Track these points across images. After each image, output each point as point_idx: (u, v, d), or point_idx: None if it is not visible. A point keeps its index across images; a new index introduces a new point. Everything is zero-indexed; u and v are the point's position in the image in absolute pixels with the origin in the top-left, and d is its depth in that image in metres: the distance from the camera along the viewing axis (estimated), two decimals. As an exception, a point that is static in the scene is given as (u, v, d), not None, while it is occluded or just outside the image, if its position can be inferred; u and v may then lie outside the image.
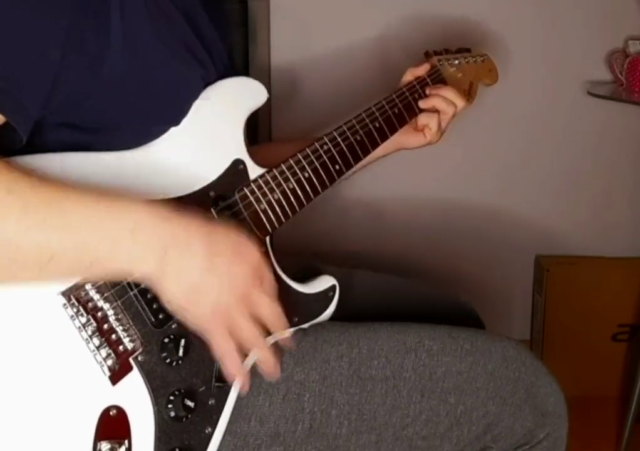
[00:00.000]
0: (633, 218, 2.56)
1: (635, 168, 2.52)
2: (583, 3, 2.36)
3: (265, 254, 1.16)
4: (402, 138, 1.45)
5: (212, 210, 1.08)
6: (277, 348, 1.06)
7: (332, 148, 1.25)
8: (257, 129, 2.33)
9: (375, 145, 1.35)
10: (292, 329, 1.15)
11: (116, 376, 0.95)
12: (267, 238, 1.17)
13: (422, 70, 1.49)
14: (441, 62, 1.54)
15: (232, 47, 1.32)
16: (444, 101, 1.45)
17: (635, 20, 2.36)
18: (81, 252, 0.86)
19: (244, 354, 1.00)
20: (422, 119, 1.46)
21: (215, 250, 0.95)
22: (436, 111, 1.46)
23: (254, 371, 1.11)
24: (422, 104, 1.45)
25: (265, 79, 2.29)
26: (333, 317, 1.26)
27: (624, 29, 2.38)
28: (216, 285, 0.95)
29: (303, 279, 1.23)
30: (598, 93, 2.29)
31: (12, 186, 0.83)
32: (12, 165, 0.85)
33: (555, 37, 2.39)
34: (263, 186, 1.14)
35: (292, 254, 1.29)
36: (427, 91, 1.46)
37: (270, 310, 1.00)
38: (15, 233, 0.82)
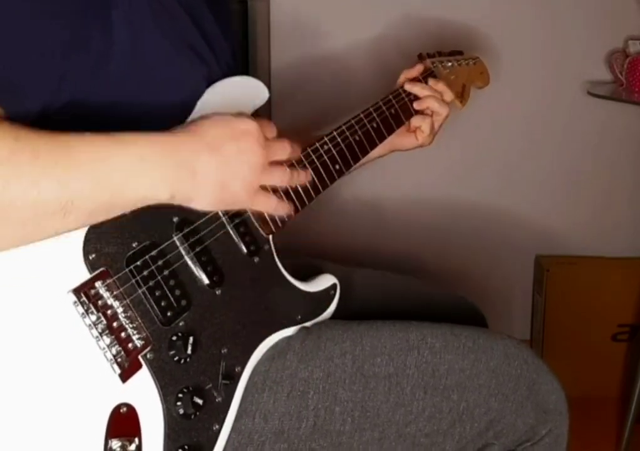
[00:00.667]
0: (633, 218, 2.56)
1: (635, 168, 2.52)
2: (583, 3, 2.37)
3: (269, 251, 1.17)
4: (396, 139, 1.46)
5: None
6: None
7: (332, 148, 1.26)
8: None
9: (373, 145, 1.36)
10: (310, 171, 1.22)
11: (126, 373, 0.95)
12: (271, 237, 1.18)
13: (415, 71, 1.50)
14: (434, 65, 1.55)
15: (235, 47, 1.32)
16: (437, 101, 1.46)
17: (635, 20, 2.37)
18: (98, 186, 0.88)
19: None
20: (415, 121, 1.47)
21: (218, 147, 0.98)
22: (430, 113, 1.47)
23: (257, 370, 1.12)
24: (416, 105, 1.46)
25: (265, 79, 2.29)
26: (335, 316, 1.26)
27: (624, 29, 2.38)
28: (237, 171, 1.00)
29: (304, 277, 1.24)
30: (598, 93, 2.30)
31: (19, 134, 0.84)
32: (15, 122, 0.86)
33: (555, 37, 2.40)
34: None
35: (293, 252, 1.29)
36: (418, 92, 1.47)
37: (284, 152, 1.08)
38: (31, 179, 0.83)
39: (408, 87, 1.46)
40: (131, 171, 0.91)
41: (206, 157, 0.97)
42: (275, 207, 1.10)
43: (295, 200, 1.19)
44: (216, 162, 0.97)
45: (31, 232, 0.86)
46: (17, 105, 0.89)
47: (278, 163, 1.08)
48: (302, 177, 1.16)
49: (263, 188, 1.07)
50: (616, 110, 2.42)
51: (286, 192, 1.17)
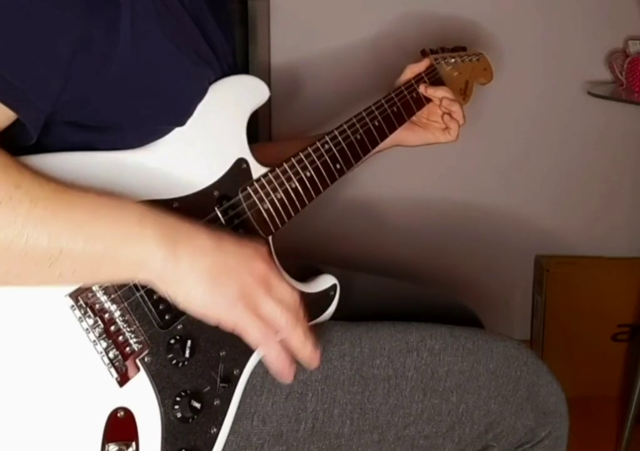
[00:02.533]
0: (633, 218, 2.56)
1: (636, 168, 2.52)
2: (583, 3, 2.37)
3: (269, 253, 1.17)
4: (401, 134, 1.46)
5: (216, 209, 1.08)
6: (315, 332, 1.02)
7: (333, 147, 1.26)
8: (257, 129, 2.33)
9: (375, 144, 1.36)
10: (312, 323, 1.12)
11: (123, 377, 0.95)
12: (270, 238, 1.17)
13: (422, 65, 1.50)
14: (437, 61, 1.54)
15: (235, 49, 1.32)
16: (448, 101, 1.47)
17: (635, 20, 2.37)
18: (90, 245, 0.86)
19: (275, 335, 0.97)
20: (444, 122, 1.49)
21: (220, 237, 0.94)
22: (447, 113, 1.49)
23: (255, 372, 1.11)
24: (430, 91, 1.48)
25: (265, 79, 2.28)
26: (333, 318, 1.26)
27: (624, 29, 2.38)
28: (233, 266, 0.93)
29: (303, 278, 1.24)
30: (598, 93, 2.29)
31: (20, 181, 0.83)
32: (18, 161, 0.86)
33: (555, 37, 2.40)
34: (266, 185, 1.15)
35: (292, 253, 1.29)
36: (421, 89, 1.47)
37: (291, 295, 0.98)
38: (24, 227, 0.82)
39: (422, 90, 1.47)
40: (127, 235, 0.88)
41: (205, 238, 0.93)
42: (268, 340, 0.95)
43: (295, 199, 1.18)
44: (215, 248, 0.93)
45: (13, 279, 0.86)
46: (29, 108, 0.88)
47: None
48: (308, 332, 1.00)
49: (260, 306, 0.95)
50: (616, 110, 2.42)
51: (286, 191, 1.17)
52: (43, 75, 0.89)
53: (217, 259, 0.93)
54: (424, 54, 1.55)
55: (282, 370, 0.98)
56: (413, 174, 2.49)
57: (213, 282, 0.92)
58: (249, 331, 0.94)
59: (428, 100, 1.49)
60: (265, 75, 2.32)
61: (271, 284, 0.96)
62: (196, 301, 0.92)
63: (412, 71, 1.50)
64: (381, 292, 1.51)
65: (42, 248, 0.83)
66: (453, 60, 1.58)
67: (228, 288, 0.93)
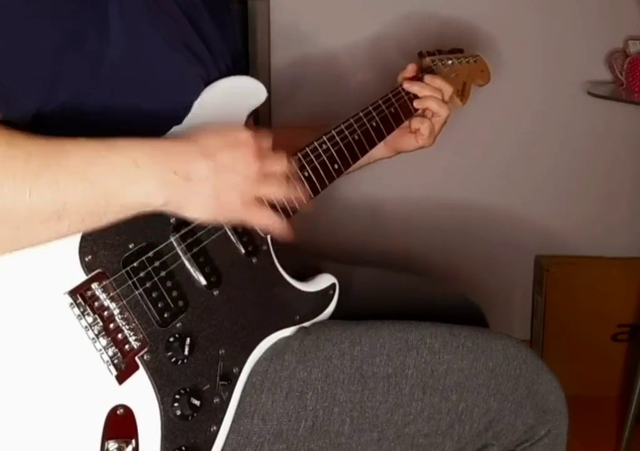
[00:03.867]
0: (633, 218, 2.56)
1: (635, 168, 2.52)
2: (583, 3, 2.37)
3: (267, 252, 1.17)
4: (398, 141, 1.46)
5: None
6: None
7: (331, 147, 1.26)
8: (256, 129, 2.33)
9: (372, 144, 1.36)
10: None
11: (122, 375, 0.95)
12: (269, 237, 1.18)
13: (409, 72, 1.49)
14: (434, 63, 1.54)
15: (238, 49, 1.32)
16: (436, 102, 1.44)
17: (635, 20, 2.37)
18: (92, 190, 0.87)
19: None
20: (414, 123, 1.46)
21: (212, 153, 0.97)
22: (430, 115, 1.46)
23: (255, 370, 1.12)
24: (416, 104, 1.45)
25: (265, 79, 2.29)
26: (333, 316, 1.26)
27: (624, 29, 2.38)
28: (231, 180, 0.99)
29: (303, 277, 1.24)
30: (598, 93, 2.29)
31: (12, 139, 0.84)
32: (8, 125, 0.86)
33: (555, 37, 2.40)
34: None
35: (291, 252, 1.29)
36: (412, 89, 1.46)
37: (282, 167, 1.05)
38: (24, 183, 0.83)
39: (407, 86, 1.45)
40: (124, 176, 0.90)
41: (200, 164, 0.96)
42: (271, 221, 1.07)
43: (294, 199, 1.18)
44: (211, 169, 0.96)
45: (24, 237, 0.87)
46: (14, 107, 0.89)
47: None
48: (299, 191, 1.15)
49: (259, 201, 1.05)
50: (616, 110, 2.42)
51: None
52: (29, 74, 0.89)
53: (215, 180, 0.97)
54: (421, 56, 1.55)
55: (285, 233, 1.10)
56: (413, 174, 2.49)
57: (216, 202, 0.99)
58: (257, 223, 1.09)
59: None
60: (265, 75, 2.32)
61: (265, 172, 1.02)
62: (206, 218, 1.02)
63: (403, 76, 1.49)
64: (381, 286, 1.51)
65: (47, 201, 0.85)
66: (450, 62, 1.58)
67: (229, 201, 1.00)
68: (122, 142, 0.92)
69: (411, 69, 1.49)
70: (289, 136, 1.25)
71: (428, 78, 1.46)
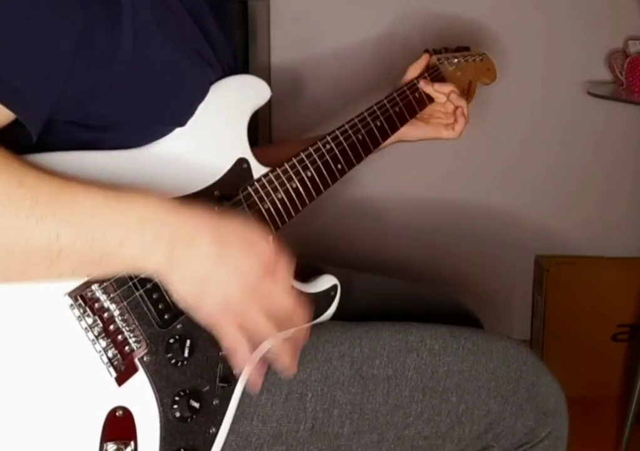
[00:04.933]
0: (633, 218, 2.56)
1: (635, 168, 2.52)
2: (583, 3, 2.37)
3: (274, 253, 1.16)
4: (403, 130, 1.45)
5: (216, 209, 1.08)
6: (295, 343, 1.04)
7: (334, 147, 1.25)
8: (257, 129, 2.33)
9: (377, 144, 1.35)
10: (307, 325, 1.09)
11: (122, 376, 0.95)
12: (270, 238, 1.17)
13: (422, 62, 1.51)
14: (440, 61, 1.54)
15: (237, 49, 1.32)
16: (456, 95, 1.49)
17: (635, 20, 2.37)
18: (90, 244, 0.86)
19: (254, 348, 0.99)
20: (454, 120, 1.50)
21: (224, 242, 0.93)
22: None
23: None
24: (437, 86, 1.48)
25: (265, 79, 2.27)
26: (333, 318, 1.26)
27: (624, 29, 2.38)
28: (225, 278, 0.93)
29: (304, 278, 1.23)
30: (598, 93, 2.29)
31: (23, 179, 0.83)
32: (21, 158, 0.86)
33: (555, 37, 2.40)
34: (267, 185, 1.14)
35: (292, 253, 1.29)
36: (433, 86, 1.47)
37: (284, 303, 0.98)
38: (25, 226, 0.82)
39: (422, 85, 1.48)
40: (126, 237, 0.88)
41: (207, 237, 0.92)
42: (238, 346, 0.96)
43: (296, 199, 1.18)
44: (212, 254, 0.92)
45: (14, 274, 0.86)
46: (28, 110, 0.88)
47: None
48: (281, 352, 1.03)
49: (245, 317, 0.96)
50: (616, 110, 2.42)
51: (286, 191, 1.17)
52: (43, 75, 0.89)
53: (210, 267, 0.92)
54: (427, 53, 1.55)
55: (242, 363, 0.99)
56: (413, 174, 2.49)
57: (202, 291, 0.93)
58: (224, 339, 0.96)
59: (431, 100, 1.49)
60: (265, 75, 2.32)
61: (263, 294, 0.96)
62: (183, 303, 0.94)
63: (414, 69, 1.50)
64: (381, 291, 1.51)
65: (42, 248, 0.83)
66: (456, 60, 1.57)
67: (214, 298, 0.93)
68: (132, 197, 0.90)
69: (424, 60, 1.52)
70: (293, 147, 1.25)
71: (437, 86, 1.49)
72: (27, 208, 0.82)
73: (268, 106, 2.23)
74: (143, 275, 0.95)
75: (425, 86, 1.47)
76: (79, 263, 0.88)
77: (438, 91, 1.48)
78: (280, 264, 0.98)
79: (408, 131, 1.48)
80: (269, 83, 1.19)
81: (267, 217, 1.14)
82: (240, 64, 1.36)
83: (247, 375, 1.07)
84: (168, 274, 0.91)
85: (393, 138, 1.44)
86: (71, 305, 0.92)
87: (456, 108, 1.50)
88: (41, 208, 0.83)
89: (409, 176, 2.50)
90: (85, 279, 0.93)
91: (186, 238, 0.91)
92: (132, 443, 0.95)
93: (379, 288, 1.52)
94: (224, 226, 0.94)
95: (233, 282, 0.94)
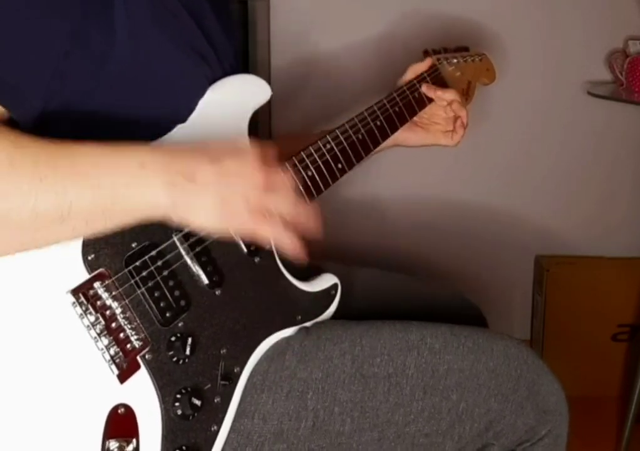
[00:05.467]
0: (633, 218, 2.56)
1: (635, 168, 2.52)
2: (583, 3, 2.37)
3: (269, 251, 1.17)
4: (402, 135, 1.46)
5: None
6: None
7: (334, 147, 1.26)
8: (257, 129, 2.33)
9: (376, 144, 1.35)
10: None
11: (124, 374, 0.96)
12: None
13: (425, 65, 1.50)
14: (440, 61, 1.54)
15: (239, 48, 1.32)
16: (460, 105, 1.48)
17: (635, 20, 2.37)
18: (97, 194, 0.87)
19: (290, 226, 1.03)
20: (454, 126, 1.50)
21: (218, 157, 0.96)
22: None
23: (256, 370, 1.12)
24: (439, 93, 1.48)
25: (265, 79, 2.28)
26: (335, 316, 1.26)
27: (624, 29, 2.38)
28: (238, 187, 0.96)
29: (305, 277, 1.24)
30: (598, 93, 2.29)
31: (19, 140, 0.84)
32: (14, 128, 0.87)
33: (555, 37, 2.40)
34: None
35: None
36: (435, 92, 1.47)
37: (291, 203, 1.02)
38: (31, 185, 0.83)
39: (425, 89, 1.47)
40: (130, 178, 0.90)
41: (205, 167, 0.95)
42: (280, 232, 1.01)
43: None
44: (217, 174, 0.95)
45: (29, 240, 0.87)
46: (19, 106, 0.89)
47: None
48: (308, 208, 1.06)
49: (267, 212, 1.00)
50: (616, 110, 2.42)
51: None
52: (35, 73, 0.89)
53: (220, 187, 0.95)
54: (426, 54, 1.55)
55: (295, 249, 1.02)
56: (413, 174, 2.49)
57: (222, 208, 0.96)
58: (266, 235, 1.01)
59: (430, 100, 1.49)
60: (265, 75, 2.32)
61: (271, 182, 0.99)
62: (210, 227, 0.98)
63: (414, 70, 1.50)
64: (383, 288, 1.51)
65: (52, 205, 0.85)
66: (455, 60, 1.57)
67: (236, 208, 0.96)
68: (129, 145, 0.92)
69: (426, 64, 1.51)
70: (292, 144, 1.25)
71: (440, 92, 1.49)
72: (30, 169, 0.83)
73: (268, 105, 2.23)
74: (154, 217, 0.95)
75: (428, 91, 1.47)
76: (90, 216, 0.89)
77: (440, 98, 1.48)
78: (273, 171, 1.01)
79: (407, 136, 1.49)
80: (269, 83, 1.20)
81: (268, 216, 1.15)
82: (241, 63, 1.36)
83: (247, 374, 1.10)
84: (185, 212, 0.94)
85: (391, 142, 1.44)
86: (73, 303, 0.92)
87: (457, 117, 1.50)
88: (42, 167, 0.84)
89: (410, 176, 2.50)
90: (87, 277, 0.94)
91: (188, 171, 0.93)
92: (134, 440, 0.96)
93: (380, 285, 1.52)
94: (208, 147, 0.97)
95: (246, 185, 0.97)
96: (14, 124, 0.90)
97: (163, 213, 0.94)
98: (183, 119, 1.07)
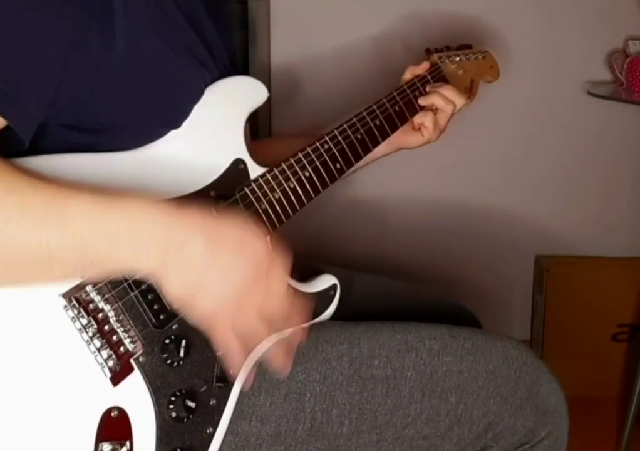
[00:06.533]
0: (633, 218, 2.56)
1: (635, 168, 2.52)
2: (583, 3, 2.36)
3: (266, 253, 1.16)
4: (401, 137, 1.45)
5: (213, 209, 1.07)
6: (289, 344, 1.04)
7: (332, 147, 1.25)
8: (257, 129, 2.33)
9: (376, 143, 1.35)
10: (306, 324, 1.10)
11: (117, 377, 0.95)
12: (268, 238, 1.17)
13: (421, 69, 1.49)
14: (442, 60, 1.53)
15: (235, 50, 1.32)
16: (442, 99, 1.45)
17: (635, 20, 2.36)
18: (81, 250, 0.85)
19: (249, 350, 0.99)
20: (417, 118, 1.45)
21: (217, 244, 0.91)
22: (434, 109, 1.46)
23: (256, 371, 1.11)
24: (421, 101, 1.45)
25: (265, 79, 2.29)
26: (332, 318, 1.26)
27: (624, 29, 2.38)
28: (217, 280, 0.91)
29: (303, 278, 1.23)
30: (598, 93, 2.29)
31: (13, 185, 0.82)
32: (12, 164, 0.85)
33: (555, 37, 2.40)
34: (264, 185, 1.14)
35: (291, 252, 1.29)
36: (427, 89, 1.46)
37: (279, 304, 0.97)
38: (16, 234, 0.81)
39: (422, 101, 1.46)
40: (117, 237, 0.87)
41: (199, 242, 0.90)
42: (231, 349, 0.96)
43: (294, 200, 1.18)
44: (208, 251, 0.91)
45: (5, 280, 0.86)
46: (19, 115, 0.88)
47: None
48: (274, 354, 1.04)
49: (238, 319, 0.96)
50: (616, 110, 2.42)
51: (284, 191, 1.16)
52: (35, 82, 0.88)
53: (205, 270, 0.91)
54: (428, 52, 1.54)
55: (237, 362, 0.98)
56: (413, 174, 2.48)
57: (195, 293, 0.91)
58: (217, 342, 0.96)
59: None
60: (265, 75, 2.31)
61: (256, 296, 0.95)
62: (177, 304, 0.93)
63: (411, 73, 1.49)
64: (380, 292, 1.51)
65: (33, 254, 0.83)
66: (457, 58, 1.56)
67: (207, 300, 0.92)
68: (123, 202, 0.89)
69: (422, 67, 1.49)
70: (291, 143, 1.25)
71: (444, 90, 1.47)
72: (16, 216, 0.81)
73: (268, 106, 2.23)
74: (136, 277, 0.95)
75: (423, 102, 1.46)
76: (70, 267, 0.87)
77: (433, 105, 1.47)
78: (275, 264, 0.96)
79: (408, 139, 1.48)
80: (269, 83, 1.19)
81: (264, 217, 1.14)
82: (239, 65, 1.36)
83: (243, 377, 1.07)
84: (161, 276, 0.90)
85: (394, 145, 1.46)
86: (65, 306, 0.91)
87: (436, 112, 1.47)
88: (31, 216, 0.82)
89: (410, 176, 2.49)
90: (79, 281, 0.93)
91: (178, 240, 0.89)
92: (127, 443, 0.95)
93: (378, 288, 1.52)
94: (217, 227, 0.93)
95: (226, 285, 0.92)
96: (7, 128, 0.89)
97: (142, 273, 0.92)
98: (178, 124, 1.06)
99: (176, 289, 0.91)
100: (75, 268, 0.88)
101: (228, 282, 0.93)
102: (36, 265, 0.84)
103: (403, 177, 2.49)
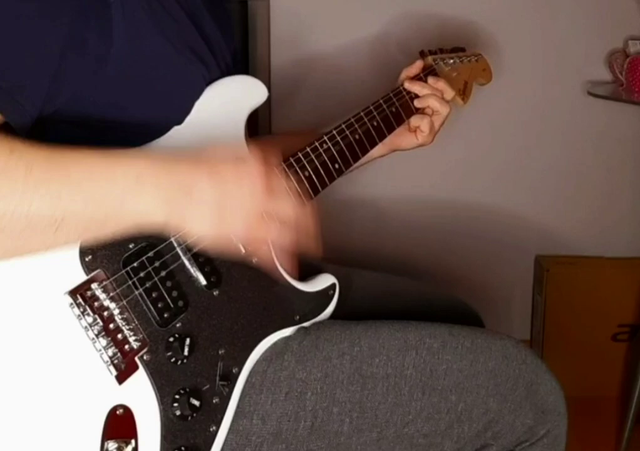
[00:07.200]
0: (633, 218, 2.56)
1: (635, 168, 2.52)
2: (583, 3, 2.36)
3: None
4: (396, 139, 1.46)
5: None
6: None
7: (331, 147, 1.26)
8: (257, 128, 2.33)
9: (373, 144, 1.36)
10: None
11: (122, 375, 0.96)
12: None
13: (415, 68, 1.50)
14: (436, 62, 1.54)
15: (236, 48, 1.32)
16: (437, 100, 1.45)
17: (635, 20, 2.36)
18: (91, 206, 0.86)
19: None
20: (414, 121, 1.46)
21: (220, 179, 0.94)
22: (429, 112, 1.47)
23: (255, 370, 1.12)
24: (417, 103, 1.46)
25: (265, 79, 2.29)
26: (333, 316, 1.26)
27: (624, 29, 2.38)
28: (235, 200, 0.96)
29: (303, 277, 1.24)
30: (598, 93, 2.29)
31: (14, 147, 0.83)
32: (8, 133, 0.86)
33: (555, 37, 2.40)
34: None
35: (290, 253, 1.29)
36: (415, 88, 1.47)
37: (290, 207, 1.02)
38: (24, 194, 0.82)
39: (408, 86, 1.46)
40: (125, 191, 0.88)
41: (204, 180, 0.94)
42: (276, 236, 1.02)
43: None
44: (214, 187, 0.94)
45: (22, 246, 0.86)
46: (15, 111, 0.89)
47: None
48: (306, 210, 1.07)
49: (268, 228, 1.01)
50: (616, 110, 2.42)
51: None
52: (31, 78, 0.89)
53: (217, 198, 0.94)
54: (422, 55, 1.55)
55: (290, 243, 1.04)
56: (413, 173, 2.49)
57: (219, 218, 0.95)
58: (263, 240, 1.03)
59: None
60: (265, 75, 2.31)
61: (269, 193, 0.99)
62: (207, 236, 0.98)
63: (406, 74, 1.50)
64: (381, 289, 1.51)
65: (45, 213, 0.84)
66: (451, 61, 1.57)
67: (232, 217, 0.96)
68: (125, 156, 0.91)
69: (417, 66, 1.49)
70: (290, 142, 1.25)
71: (431, 80, 1.47)
72: (22, 176, 0.82)
73: (268, 105, 2.23)
74: (150, 230, 0.95)
75: (411, 86, 1.46)
76: (84, 225, 0.88)
77: (430, 86, 1.47)
78: (273, 177, 1.00)
79: (403, 141, 1.48)
80: (269, 83, 1.20)
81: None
82: (240, 64, 1.36)
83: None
84: (178, 224, 0.93)
85: (389, 147, 1.46)
86: (71, 304, 0.92)
87: (424, 108, 1.48)
88: (37, 173, 0.83)
89: (410, 176, 2.49)
90: (85, 278, 0.94)
91: (185, 185, 0.92)
92: (133, 441, 0.96)
93: (378, 286, 1.52)
94: (213, 166, 0.96)
95: (245, 202, 0.96)
96: (9, 128, 0.89)
97: (158, 224, 0.93)
98: (179, 121, 1.07)
99: (207, 231, 0.95)
100: (89, 226, 0.89)
101: (245, 200, 0.96)
102: (49, 225, 0.84)
103: (403, 177, 2.49)
